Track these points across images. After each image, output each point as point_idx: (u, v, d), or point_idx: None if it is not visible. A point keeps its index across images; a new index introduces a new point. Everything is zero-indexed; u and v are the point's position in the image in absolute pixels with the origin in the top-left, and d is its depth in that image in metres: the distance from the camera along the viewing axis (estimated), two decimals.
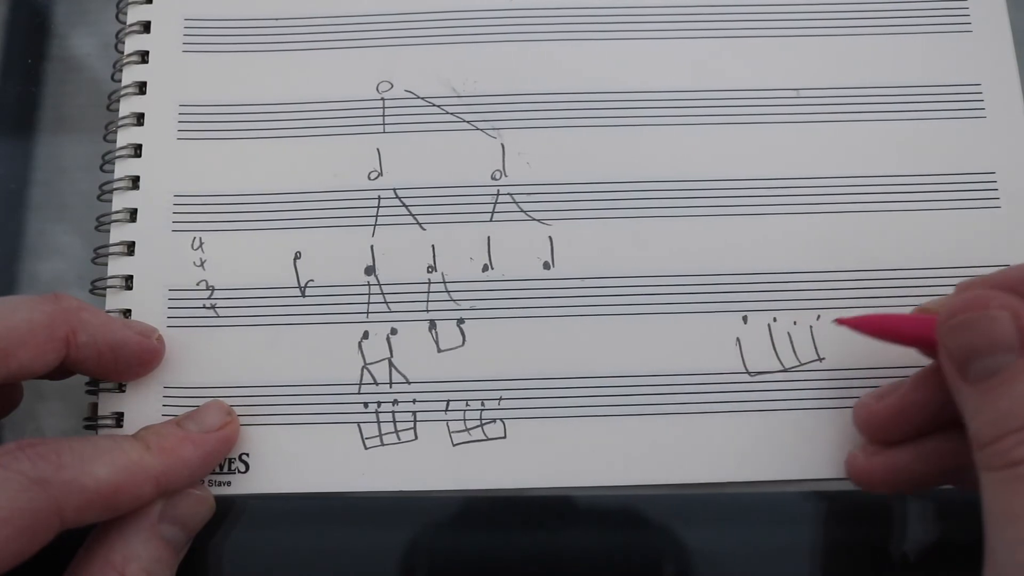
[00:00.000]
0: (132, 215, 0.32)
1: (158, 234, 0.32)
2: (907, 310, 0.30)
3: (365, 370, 0.31)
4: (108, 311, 0.31)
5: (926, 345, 0.26)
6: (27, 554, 0.23)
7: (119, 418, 0.30)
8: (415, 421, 0.30)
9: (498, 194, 0.32)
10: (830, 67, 0.34)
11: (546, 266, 0.32)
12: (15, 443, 0.24)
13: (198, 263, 0.32)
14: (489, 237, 0.32)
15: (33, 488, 0.23)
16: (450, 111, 0.33)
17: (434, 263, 0.32)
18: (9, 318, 0.26)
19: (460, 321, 0.31)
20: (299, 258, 0.32)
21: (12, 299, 0.27)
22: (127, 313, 0.31)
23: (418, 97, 0.34)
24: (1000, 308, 0.23)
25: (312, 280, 0.32)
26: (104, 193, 0.33)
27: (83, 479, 0.24)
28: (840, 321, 0.28)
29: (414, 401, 0.31)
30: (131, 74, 0.34)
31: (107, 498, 0.25)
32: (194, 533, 0.28)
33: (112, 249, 0.32)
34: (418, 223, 0.32)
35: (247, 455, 0.30)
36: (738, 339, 0.31)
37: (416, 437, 0.30)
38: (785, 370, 0.31)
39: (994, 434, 0.22)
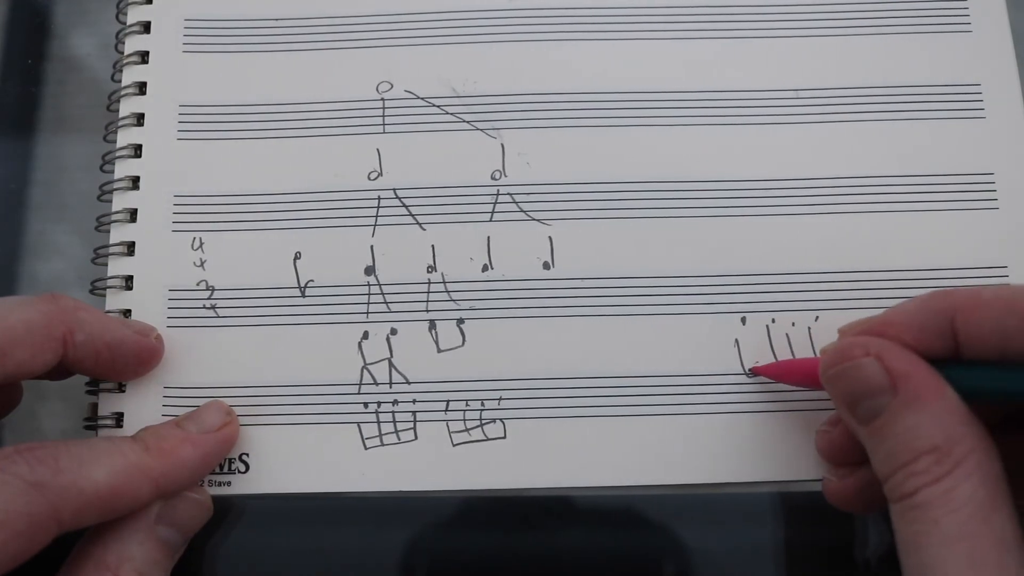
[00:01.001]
0: (132, 215, 0.32)
1: (158, 234, 0.32)
2: None
3: (365, 370, 0.31)
4: (108, 311, 0.31)
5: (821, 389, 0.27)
6: (24, 557, 0.23)
7: (119, 418, 0.30)
8: (415, 421, 0.30)
9: (498, 194, 0.32)
10: (830, 67, 0.34)
11: (546, 266, 0.32)
12: (13, 447, 0.24)
13: (198, 263, 0.32)
14: (489, 237, 0.32)
15: (30, 492, 0.23)
16: (450, 111, 0.33)
17: (434, 263, 0.32)
18: (6, 318, 0.26)
19: (460, 321, 0.31)
20: (299, 258, 0.32)
21: (9, 299, 0.27)
22: (127, 313, 0.31)
23: (418, 97, 0.34)
24: (865, 355, 0.24)
25: (312, 280, 0.32)
26: (104, 193, 0.33)
27: (81, 483, 0.24)
28: (755, 370, 0.30)
29: (414, 401, 0.31)
30: (131, 74, 0.34)
31: (105, 501, 0.25)
32: (190, 536, 0.28)
33: (112, 249, 0.32)
34: (418, 223, 0.32)
35: (247, 455, 0.30)
36: (736, 340, 0.31)
37: (416, 437, 0.30)
38: None
39: (887, 470, 0.24)
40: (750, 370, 0.30)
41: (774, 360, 0.31)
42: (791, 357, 0.31)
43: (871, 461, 0.25)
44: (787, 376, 0.29)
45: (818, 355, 0.30)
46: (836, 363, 0.25)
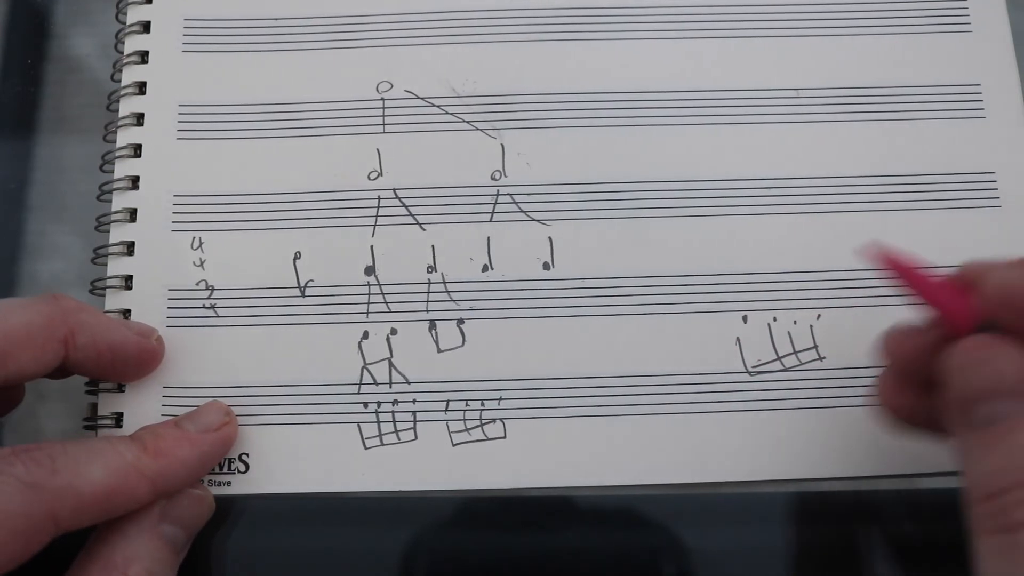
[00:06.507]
0: (132, 215, 0.32)
1: (158, 234, 0.32)
2: (906, 311, 0.30)
3: (365, 370, 0.31)
4: (108, 311, 0.31)
5: (950, 328, 0.23)
6: (21, 559, 0.23)
7: (119, 418, 0.30)
8: (415, 421, 0.30)
9: (498, 194, 0.32)
10: (830, 67, 0.34)
11: (546, 266, 0.32)
12: (10, 448, 0.24)
13: (198, 263, 0.32)
14: (489, 237, 0.32)
15: (27, 492, 0.23)
16: (450, 111, 0.33)
17: (434, 263, 0.32)
18: (7, 320, 0.26)
19: (460, 321, 0.31)
20: (299, 258, 0.32)
21: (10, 301, 0.27)
22: (127, 313, 0.31)
23: (418, 97, 0.33)
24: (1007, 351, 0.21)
25: (312, 280, 0.32)
26: (104, 193, 0.33)
27: (77, 483, 0.24)
28: (871, 254, 0.25)
29: (414, 401, 0.31)
30: (131, 74, 0.34)
31: (102, 501, 0.25)
32: (194, 533, 0.28)
33: (112, 249, 0.32)
34: (418, 223, 0.32)
35: (247, 455, 0.30)
36: (738, 339, 0.31)
37: (416, 437, 0.30)
38: (785, 369, 0.31)
39: (988, 490, 0.20)
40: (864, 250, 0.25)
41: (776, 359, 0.31)
42: (793, 355, 0.31)
43: (966, 474, 0.21)
44: (913, 284, 0.24)
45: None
46: (976, 350, 0.21)
